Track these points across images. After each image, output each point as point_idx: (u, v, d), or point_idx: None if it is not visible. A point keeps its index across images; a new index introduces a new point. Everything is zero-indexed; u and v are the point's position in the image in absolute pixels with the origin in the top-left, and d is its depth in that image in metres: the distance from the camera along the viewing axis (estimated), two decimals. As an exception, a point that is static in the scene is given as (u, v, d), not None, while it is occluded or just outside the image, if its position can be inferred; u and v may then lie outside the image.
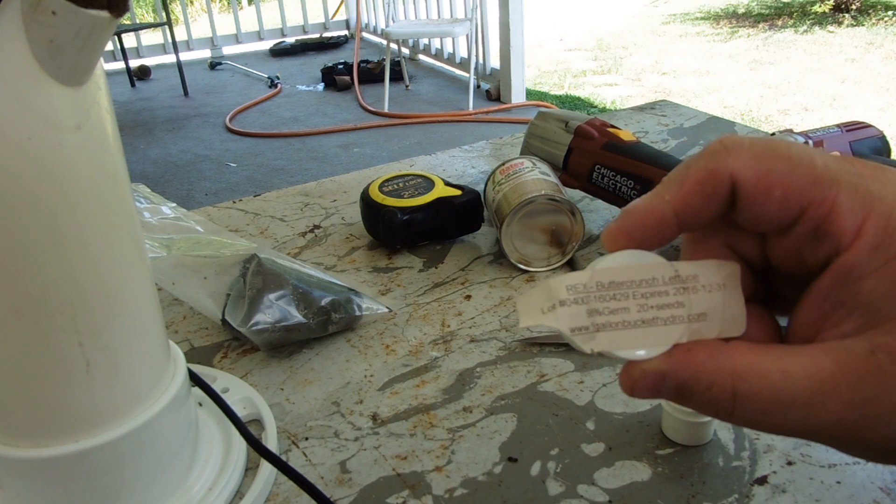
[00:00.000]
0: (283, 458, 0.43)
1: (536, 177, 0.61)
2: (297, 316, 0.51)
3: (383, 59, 4.30)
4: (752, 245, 0.24)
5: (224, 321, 0.53)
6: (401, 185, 0.66)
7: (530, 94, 4.29)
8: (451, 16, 4.50)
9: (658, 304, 0.22)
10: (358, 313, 0.54)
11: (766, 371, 0.21)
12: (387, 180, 0.67)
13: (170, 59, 4.94)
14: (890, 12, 5.77)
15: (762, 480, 0.39)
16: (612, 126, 0.67)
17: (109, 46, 4.41)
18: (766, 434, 0.42)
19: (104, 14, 0.28)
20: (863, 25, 5.55)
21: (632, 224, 0.22)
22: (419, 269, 0.63)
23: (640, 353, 0.22)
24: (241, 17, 5.84)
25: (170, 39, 4.74)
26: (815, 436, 0.21)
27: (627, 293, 0.22)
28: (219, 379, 0.48)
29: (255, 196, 0.81)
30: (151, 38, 5.39)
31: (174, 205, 0.68)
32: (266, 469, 0.40)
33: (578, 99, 4.34)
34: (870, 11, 5.86)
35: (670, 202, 0.22)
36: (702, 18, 6.42)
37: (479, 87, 4.31)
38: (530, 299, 0.22)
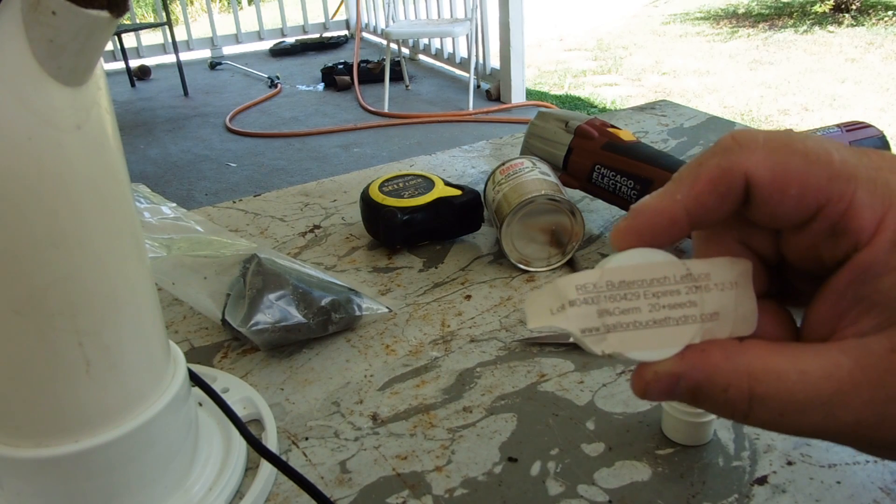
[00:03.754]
0: (283, 458, 0.43)
1: (536, 177, 0.61)
2: (297, 316, 0.51)
3: (383, 59, 4.30)
4: (765, 240, 0.23)
5: (224, 321, 0.53)
6: (401, 185, 0.66)
7: (530, 94, 4.29)
8: (451, 16, 4.50)
9: (670, 304, 0.21)
10: (358, 313, 0.54)
11: (783, 372, 0.20)
12: (387, 180, 0.67)
13: (170, 59, 4.94)
14: (890, 12, 5.77)
15: (762, 480, 0.39)
16: (612, 126, 0.67)
17: (109, 46, 4.41)
18: (766, 434, 0.42)
19: (104, 14, 0.28)
20: (863, 25, 5.55)
21: (642, 223, 0.22)
22: (419, 269, 0.63)
23: (653, 355, 0.21)
24: (241, 17, 5.84)
25: (170, 39, 4.74)
26: (835, 436, 0.20)
27: (638, 293, 0.21)
28: (219, 379, 0.48)
29: (255, 196, 0.81)
30: (151, 38, 5.39)
31: (174, 205, 0.68)
32: (266, 469, 0.40)
33: (578, 99, 4.34)
34: (870, 11, 5.86)
35: (682, 201, 0.21)
36: (702, 18, 6.42)
37: (479, 87, 4.31)
38: (539, 300, 0.22)
